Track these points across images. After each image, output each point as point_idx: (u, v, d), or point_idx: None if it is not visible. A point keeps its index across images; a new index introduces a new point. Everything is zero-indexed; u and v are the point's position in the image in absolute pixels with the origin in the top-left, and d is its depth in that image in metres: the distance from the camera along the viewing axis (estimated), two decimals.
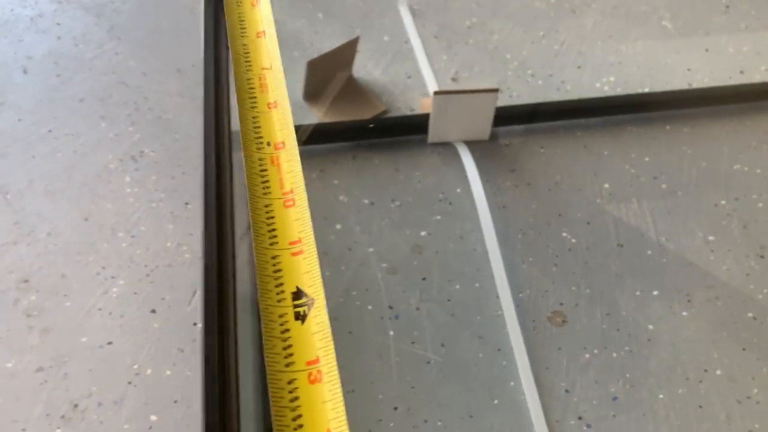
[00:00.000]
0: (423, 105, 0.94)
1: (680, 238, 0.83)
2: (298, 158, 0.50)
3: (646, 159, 0.91)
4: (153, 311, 0.76)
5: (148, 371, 0.72)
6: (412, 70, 1.01)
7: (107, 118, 0.94)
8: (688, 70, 1.02)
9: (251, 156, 0.50)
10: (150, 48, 1.04)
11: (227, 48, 0.68)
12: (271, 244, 0.44)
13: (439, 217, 0.84)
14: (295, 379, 0.37)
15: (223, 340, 0.51)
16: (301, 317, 0.40)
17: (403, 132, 0.92)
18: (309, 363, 0.38)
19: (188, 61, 1.01)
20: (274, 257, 0.44)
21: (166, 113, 0.95)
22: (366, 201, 0.86)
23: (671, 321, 0.76)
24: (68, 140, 0.92)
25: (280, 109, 0.52)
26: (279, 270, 0.43)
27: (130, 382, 0.71)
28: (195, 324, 0.74)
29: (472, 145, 0.90)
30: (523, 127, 0.93)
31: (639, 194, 0.87)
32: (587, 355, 0.73)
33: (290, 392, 0.37)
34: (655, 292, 0.78)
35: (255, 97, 0.53)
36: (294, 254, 0.43)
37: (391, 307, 0.77)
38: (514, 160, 0.90)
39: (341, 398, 0.37)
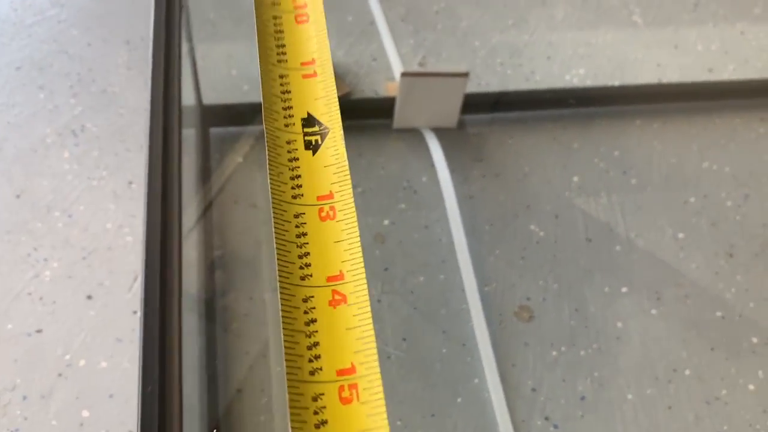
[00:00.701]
0: (388, 89, 0.90)
1: (650, 235, 0.80)
2: None
3: (616, 153, 0.88)
4: (89, 297, 0.69)
5: (81, 362, 0.65)
6: (378, 53, 0.96)
7: (46, 88, 0.87)
8: (658, 65, 1.00)
9: None
10: (96, 17, 0.96)
11: (179, 17, 0.62)
12: (279, 61, 0.36)
13: (403, 206, 0.80)
14: (302, 213, 0.32)
15: (165, 329, 0.45)
16: (312, 147, 0.34)
17: (366, 115, 0.87)
18: (320, 198, 0.33)
19: (137, 32, 0.95)
20: (281, 76, 0.36)
21: (112, 86, 0.88)
22: None
23: (640, 319, 0.73)
24: (2, 110, 0.84)
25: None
26: (287, 91, 0.36)
27: (60, 374, 0.64)
28: (135, 312, 0.68)
29: (439, 132, 0.86)
30: (491, 116, 0.90)
31: (608, 189, 0.84)
32: (554, 353, 0.70)
33: (297, 227, 0.31)
34: (624, 289, 0.75)
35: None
36: (306, 76, 0.36)
37: None
38: (482, 150, 0.86)
39: (357, 239, 0.31)
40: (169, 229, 0.56)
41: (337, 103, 0.36)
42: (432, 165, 0.83)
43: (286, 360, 0.28)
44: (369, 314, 0.30)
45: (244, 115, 0.83)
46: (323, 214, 0.32)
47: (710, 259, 0.79)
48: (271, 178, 0.33)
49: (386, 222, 0.78)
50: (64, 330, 0.67)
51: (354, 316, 0.30)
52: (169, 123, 0.61)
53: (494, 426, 0.64)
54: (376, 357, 0.28)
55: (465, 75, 0.81)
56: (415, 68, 0.93)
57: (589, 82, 0.96)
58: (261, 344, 0.67)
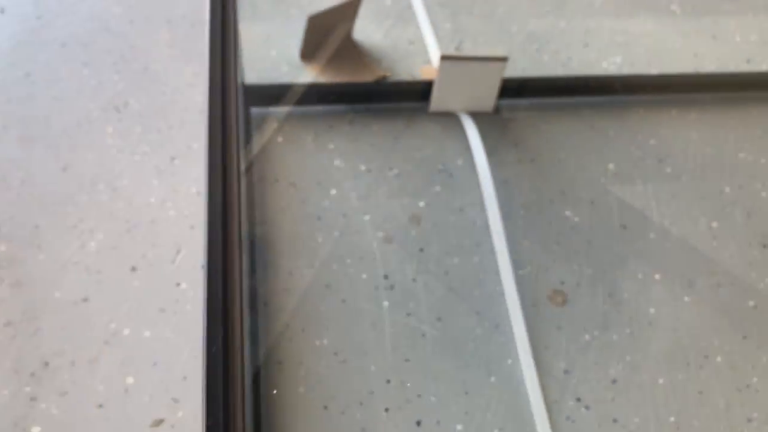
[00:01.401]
0: (424, 72, 0.90)
1: (684, 223, 0.81)
2: None
3: (652, 142, 0.88)
4: (133, 269, 0.71)
5: (126, 331, 0.67)
6: (415, 36, 0.97)
7: (90, 65, 0.89)
8: (695, 55, 1.00)
9: None
10: None
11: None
12: None
13: (438, 188, 0.81)
14: None
15: (227, 291, 0.46)
16: None
17: (403, 98, 0.88)
18: None
19: (179, 11, 0.96)
20: None
21: (154, 64, 0.90)
22: (363, 167, 0.82)
23: (673, 305, 0.74)
24: (48, 85, 0.86)
25: None
26: None
27: (106, 342, 0.66)
28: (178, 284, 0.70)
29: (475, 116, 0.87)
30: (527, 102, 0.90)
31: (644, 176, 0.85)
32: (587, 336, 0.71)
33: None
34: (657, 276, 0.76)
35: None
36: None
37: (386, 277, 0.73)
38: (518, 135, 0.87)
39: None
40: (230, 211, 0.57)
41: None
42: (467, 149, 0.84)
43: None
44: None
45: (283, 95, 0.85)
46: None
47: (744, 248, 0.79)
48: None
49: (421, 204, 0.79)
50: (110, 299, 0.69)
51: None
52: (228, 101, 0.62)
53: (527, 406, 0.65)
54: None
55: (504, 60, 0.81)
56: (453, 52, 0.93)
57: (626, 70, 0.96)
58: (300, 318, 0.69)
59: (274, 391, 0.64)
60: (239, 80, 0.80)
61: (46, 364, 0.64)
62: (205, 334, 0.39)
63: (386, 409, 0.64)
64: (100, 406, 0.63)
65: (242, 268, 0.45)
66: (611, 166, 0.85)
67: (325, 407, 0.64)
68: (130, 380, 0.64)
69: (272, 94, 0.84)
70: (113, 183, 0.78)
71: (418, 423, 0.64)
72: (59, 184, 0.77)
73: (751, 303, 0.75)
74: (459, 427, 0.64)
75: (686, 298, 0.75)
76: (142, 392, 0.64)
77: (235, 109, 0.55)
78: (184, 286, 0.70)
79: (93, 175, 0.78)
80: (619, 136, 0.89)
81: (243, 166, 0.79)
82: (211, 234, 0.43)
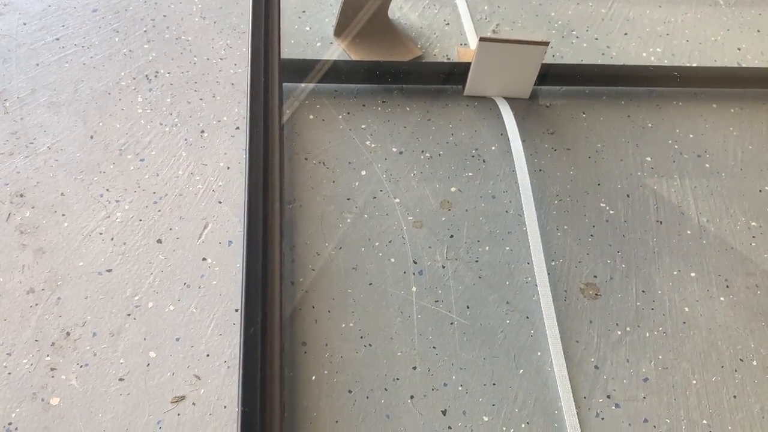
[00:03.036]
0: (460, 54, 0.88)
1: (722, 221, 0.78)
2: None
3: (691, 136, 0.86)
4: (159, 241, 0.70)
5: (150, 304, 0.66)
6: (451, 17, 0.94)
7: (122, 32, 0.87)
8: (738, 49, 0.97)
9: None
10: None
11: None
12: None
13: (471, 174, 0.79)
14: None
15: (266, 273, 0.45)
16: None
17: (438, 80, 0.85)
18: None
19: None
20: None
21: (185, 34, 0.88)
22: (394, 149, 0.80)
23: (708, 305, 0.72)
24: (78, 51, 0.84)
25: None
26: None
27: (129, 314, 0.65)
28: (204, 259, 0.69)
29: (510, 101, 0.84)
30: (565, 89, 0.88)
31: (681, 171, 0.82)
32: (619, 332, 0.69)
33: None
34: (693, 274, 0.74)
35: None
36: None
37: (415, 262, 0.71)
38: (555, 123, 0.85)
39: None
40: (270, 181, 0.55)
41: None
42: (502, 134, 0.82)
43: None
44: None
45: (316, 71, 0.83)
46: None
47: None
48: None
49: (453, 189, 0.77)
50: (134, 271, 0.68)
51: None
52: (270, 76, 0.60)
53: (556, 400, 0.64)
54: None
55: (545, 44, 0.79)
56: (490, 34, 0.91)
57: (667, 62, 0.94)
58: (326, 300, 0.67)
59: (291, 373, 0.62)
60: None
61: (68, 334, 0.63)
62: (243, 315, 0.37)
63: (411, 397, 0.63)
64: (121, 379, 0.62)
65: (282, 250, 0.44)
66: (648, 158, 0.83)
67: (350, 391, 0.63)
68: (152, 354, 0.63)
69: (305, 70, 0.82)
70: (141, 153, 0.76)
71: (444, 412, 0.63)
72: (86, 152, 0.76)
73: None
74: (485, 418, 0.63)
75: (722, 298, 0.72)
76: (164, 367, 0.63)
77: (277, 84, 0.53)
78: (210, 261, 0.69)
79: (121, 144, 0.77)
80: (657, 128, 0.86)
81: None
82: (251, 213, 0.42)
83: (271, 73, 0.52)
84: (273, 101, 0.50)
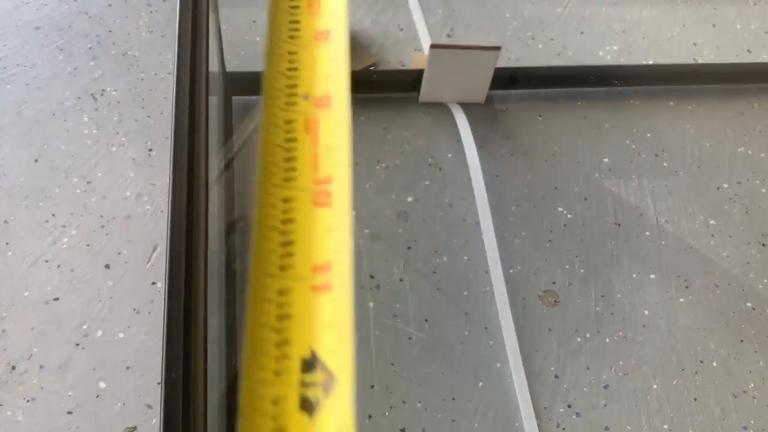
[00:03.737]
0: (415, 60, 0.87)
1: (680, 221, 0.78)
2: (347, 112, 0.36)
3: (648, 135, 0.85)
4: (107, 266, 0.68)
5: (99, 333, 0.64)
6: (405, 23, 0.93)
7: (66, 50, 0.85)
8: (694, 44, 0.96)
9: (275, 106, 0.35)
10: None
11: None
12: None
13: (427, 183, 0.78)
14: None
15: (190, 302, 0.44)
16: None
17: (392, 88, 0.84)
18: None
19: None
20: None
21: (132, 50, 0.86)
22: None
23: (668, 307, 0.71)
24: (20, 71, 0.82)
25: (333, 43, 0.36)
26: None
27: (77, 344, 0.63)
28: (154, 283, 0.67)
29: (466, 107, 0.83)
30: (520, 93, 0.87)
31: (639, 171, 0.82)
32: (579, 339, 0.68)
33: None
34: (653, 276, 0.73)
35: (297, 21, 0.37)
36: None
37: (372, 276, 0.70)
38: (511, 127, 0.84)
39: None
40: (196, 198, 0.54)
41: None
42: (458, 141, 0.81)
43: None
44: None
45: None
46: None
47: (742, 247, 0.77)
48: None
49: (410, 199, 0.76)
50: (82, 299, 0.66)
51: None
52: (196, 89, 0.58)
53: (516, 412, 0.63)
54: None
55: (496, 49, 0.78)
56: (444, 40, 0.90)
57: (623, 60, 0.93)
58: None
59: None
60: (218, 68, 0.77)
61: (13, 368, 0.61)
62: (165, 357, 0.36)
63: (369, 416, 0.62)
64: (70, 412, 0.60)
65: (206, 288, 0.42)
66: (606, 160, 0.82)
67: None
68: (102, 385, 0.62)
69: (255, 83, 0.80)
70: (88, 175, 0.74)
71: (402, 431, 0.62)
72: (30, 176, 0.74)
73: (749, 304, 0.72)
74: None
75: (682, 300, 0.72)
76: (114, 398, 0.61)
77: (205, 99, 0.51)
78: (159, 285, 0.67)
79: (66, 166, 0.75)
80: (614, 128, 0.86)
81: (223, 157, 0.75)
82: (174, 247, 0.40)
83: (198, 86, 0.50)
84: (199, 118, 0.49)
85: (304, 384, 0.26)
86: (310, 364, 0.26)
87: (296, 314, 0.27)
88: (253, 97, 0.82)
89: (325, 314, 0.27)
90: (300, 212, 0.29)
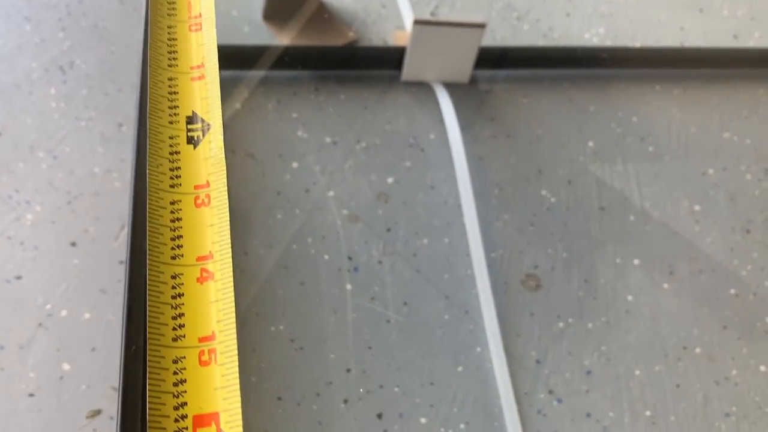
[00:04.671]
0: (397, 38, 0.85)
1: (665, 206, 0.77)
2: None
3: (634, 119, 0.84)
4: (73, 244, 0.65)
5: (63, 313, 0.61)
6: (388, 0, 0.91)
7: (33, 20, 0.81)
8: (681, 29, 0.95)
9: None
10: None
11: None
12: (170, 66, 0.38)
13: (408, 164, 0.76)
14: (179, 201, 0.35)
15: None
16: (193, 142, 0.37)
17: (374, 66, 0.82)
18: (197, 187, 0.36)
19: None
20: (171, 79, 0.40)
21: (103, 21, 0.83)
22: (328, 139, 0.76)
23: (652, 293, 0.70)
24: None
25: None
26: (175, 93, 0.40)
27: (40, 324, 0.61)
28: (121, 262, 0.64)
29: (450, 87, 0.81)
30: (505, 73, 0.85)
31: (625, 155, 0.80)
32: (561, 324, 0.67)
33: (172, 212, 0.35)
34: (636, 261, 0.72)
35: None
36: (194, 79, 0.38)
37: (350, 258, 0.68)
38: (495, 108, 0.82)
39: (227, 224, 0.35)
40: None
41: (219, 103, 0.39)
42: (441, 122, 0.79)
43: (150, 327, 0.29)
44: (231, 289, 0.32)
45: (244, 58, 0.78)
46: (198, 201, 0.35)
47: (726, 234, 0.76)
48: (150, 171, 0.36)
49: (390, 180, 0.74)
50: (46, 278, 0.63)
51: (218, 290, 0.32)
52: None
53: (496, 397, 0.62)
54: (233, 326, 0.31)
55: (482, 26, 0.76)
56: (428, 17, 0.88)
57: (609, 43, 0.92)
58: (255, 302, 0.64)
59: None
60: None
61: None
62: (124, 332, 0.34)
63: (345, 401, 0.60)
64: (31, 395, 0.57)
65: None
66: (591, 143, 0.81)
67: (279, 398, 0.59)
68: (65, 367, 0.59)
69: (231, 57, 0.78)
70: (54, 150, 0.71)
71: (379, 416, 0.60)
72: None
73: (733, 291, 0.71)
74: (423, 420, 0.60)
75: (665, 285, 0.71)
76: (78, 380, 0.58)
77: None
78: (127, 264, 0.64)
79: (32, 141, 0.71)
80: (600, 111, 0.84)
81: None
82: (136, 222, 0.38)
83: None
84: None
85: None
86: None
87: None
88: (228, 72, 0.79)
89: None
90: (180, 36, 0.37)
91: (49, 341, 0.60)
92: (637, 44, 0.92)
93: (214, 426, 0.28)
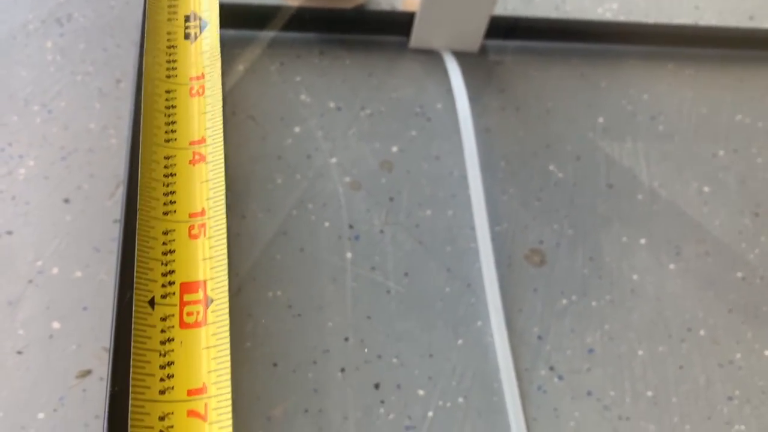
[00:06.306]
0: (407, 3, 0.82)
1: (674, 186, 0.75)
2: None
3: (645, 97, 0.82)
4: (66, 201, 0.63)
5: (54, 270, 0.60)
6: None
7: None
8: (696, 7, 0.93)
9: None
10: None
11: None
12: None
13: (414, 133, 0.74)
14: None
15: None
16: (190, 37, 0.36)
17: (381, 30, 0.80)
18: (193, 79, 0.35)
19: None
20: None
21: None
22: (332, 105, 0.74)
23: (657, 273, 0.69)
24: None
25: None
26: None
27: (30, 281, 0.59)
28: (115, 221, 0.62)
29: (459, 57, 0.79)
30: (516, 44, 0.83)
31: (634, 133, 0.78)
32: (565, 301, 0.65)
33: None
34: (643, 241, 0.71)
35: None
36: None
37: (351, 227, 0.66)
38: (504, 80, 0.80)
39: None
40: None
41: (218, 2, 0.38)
42: (448, 91, 0.77)
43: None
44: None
45: (247, 18, 0.76)
46: (192, 91, 0.34)
47: (735, 216, 0.74)
48: (146, 61, 0.35)
49: (395, 149, 0.72)
50: (37, 234, 0.61)
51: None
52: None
53: (495, 372, 0.60)
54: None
55: None
56: None
57: (623, 18, 0.89)
58: (252, 267, 0.62)
59: None
60: None
61: None
62: (117, 290, 0.32)
63: (342, 370, 0.58)
64: (20, 352, 0.55)
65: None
66: (601, 120, 0.79)
67: (275, 364, 0.58)
68: (56, 325, 0.57)
69: (235, 16, 0.75)
70: (49, 104, 0.69)
71: (377, 386, 0.58)
72: None
73: (739, 274, 0.70)
74: (421, 392, 0.59)
75: (672, 266, 0.69)
76: (68, 339, 0.57)
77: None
78: (121, 223, 0.62)
79: (26, 94, 0.69)
80: (611, 88, 0.82)
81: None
82: (131, 178, 0.37)
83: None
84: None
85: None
86: None
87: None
88: (231, 32, 0.76)
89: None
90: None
91: (39, 299, 0.58)
92: (651, 20, 0.90)
93: (201, 292, 0.28)
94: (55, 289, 0.59)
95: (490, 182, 0.71)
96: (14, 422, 0.53)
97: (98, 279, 0.59)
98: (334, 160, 0.70)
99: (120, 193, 0.64)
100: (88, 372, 0.55)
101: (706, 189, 0.76)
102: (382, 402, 0.58)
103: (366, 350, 0.60)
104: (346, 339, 0.60)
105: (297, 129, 0.71)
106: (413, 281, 0.64)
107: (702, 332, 0.66)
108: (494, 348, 0.61)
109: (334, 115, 0.73)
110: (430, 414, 0.58)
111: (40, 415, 0.53)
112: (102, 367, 0.56)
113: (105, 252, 0.61)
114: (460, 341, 0.62)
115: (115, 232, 0.62)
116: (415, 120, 0.75)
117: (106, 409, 0.32)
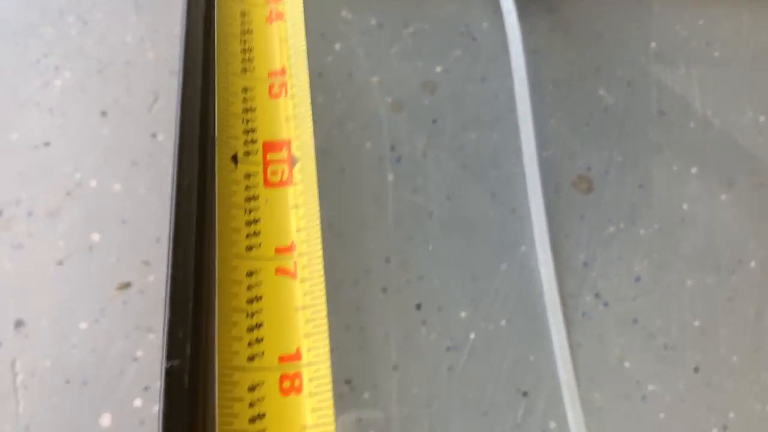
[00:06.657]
0: None
1: (728, 114, 0.72)
2: None
3: (701, 22, 0.78)
4: (104, 114, 0.62)
5: (93, 183, 0.59)
6: None
7: None
8: None
9: None
10: None
11: None
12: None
13: (459, 53, 0.71)
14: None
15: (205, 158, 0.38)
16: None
17: None
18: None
19: None
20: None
21: None
22: (373, 21, 0.71)
23: (708, 203, 0.66)
24: None
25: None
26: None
27: (69, 193, 0.58)
28: (154, 135, 0.61)
29: None
30: None
31: (688, 59, 0.75)
32: (612, 228, 0.63)
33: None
34: (694, 170, 0.68)
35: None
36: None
37: (393, 149, 0.64)
38: (554, 1, 0.76)
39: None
40: (208, 47, 0.48)
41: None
42: (495, 11, 0.73)
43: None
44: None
45: None
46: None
47: None
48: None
49: (438, 69, 0.70)
50: (75, 146, 0.60)
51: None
52: None
53: (539, 297, 0.59)
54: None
55: None
56: None
57: None
58: None
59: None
60: None
61: (0, 212, 0.56)
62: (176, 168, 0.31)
63: (384, 289, 0.57)
64: (60, 263, 0.55)
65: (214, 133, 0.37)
66: (653, 44, 0.75)
67: None
68: (95, 237, 0.57)
69: None
70: (84, 16, 0.67)
71: (418, 306, 0.57)
72: (20, 11, 0.66)
73: None
74: (462, 314, 0.58)
75: (723, 196, 0.67)
76: (108, 251, 0.56)
77: None
78: (160, 138, 0.61)
79: (61, 5, 0.67)
80: (664, 11, 0.78)
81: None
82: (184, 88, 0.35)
83: None
84: None
85: None
86: None
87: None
88: None
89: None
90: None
91: (78, 210, 0.57)
92: None
93: (285, 151, 0.26)
94: (93, 202, 0.58)
95: (538, 106, 0.69)
96: (57, 331, 0.53)
97: (137, 193, 0.58)
98: (375, 79, 0.68)
99: (158, 107, 0.62)
100: (128, 284, 0.55)
101: (762, 119, 0.72)
102: (424, 322, 0.57)
103: (407, 271, 0.59)
104: (388, 260, 0.59)
105: (337, 46, 0.69)
106: (456, 205, 0.62)
107: (753, 264, 0.64)
108: (538, 273, 0.60)
109: (376, 32, 0.70)
110: (472, 336, 0.57)
111: (83, 325, 0.53)
112: (142, 280, 0.55)
113: (143, 166, 0.60)
114: (503, 265, 0.60)
115: (154, 146, 0.60)
116: (460, 39, 0.72)
117: (168, 293, 0.31)
